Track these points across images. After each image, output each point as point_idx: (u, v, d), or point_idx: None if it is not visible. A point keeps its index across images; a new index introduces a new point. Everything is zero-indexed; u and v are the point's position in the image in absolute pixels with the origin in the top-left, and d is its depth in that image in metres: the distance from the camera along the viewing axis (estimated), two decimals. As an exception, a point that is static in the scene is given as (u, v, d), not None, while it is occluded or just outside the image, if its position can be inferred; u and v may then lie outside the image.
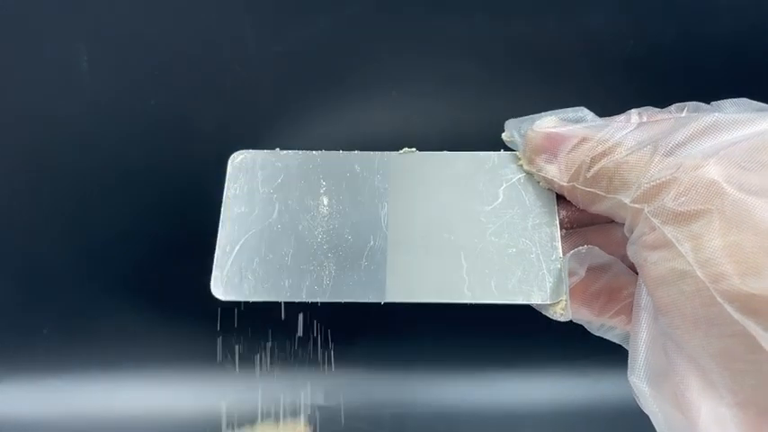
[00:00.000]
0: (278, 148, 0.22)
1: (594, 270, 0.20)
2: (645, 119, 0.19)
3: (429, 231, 0.21)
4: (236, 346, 0.45)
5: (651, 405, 0.17)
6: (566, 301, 0.19)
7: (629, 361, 0.18)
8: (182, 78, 0.35)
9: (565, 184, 0.19)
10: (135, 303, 0.43)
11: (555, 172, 0.20)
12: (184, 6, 0.32)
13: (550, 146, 0.20)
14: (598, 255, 0.19)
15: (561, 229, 0.21)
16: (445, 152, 0.22)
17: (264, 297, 0.20)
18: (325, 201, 0.21)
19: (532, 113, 0.21)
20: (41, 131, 0.36)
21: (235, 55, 0.34)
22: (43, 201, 0.38)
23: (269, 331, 0.45)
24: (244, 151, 0.22)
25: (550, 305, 0.20)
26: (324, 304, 0.20)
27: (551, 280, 0.20)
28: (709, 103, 0.19)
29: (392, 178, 0.21)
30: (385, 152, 0.22)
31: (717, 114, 0.17)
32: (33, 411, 0.45)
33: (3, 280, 0.42)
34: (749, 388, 0.15)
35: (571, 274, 0.19)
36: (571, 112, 0.20)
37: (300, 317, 0.44)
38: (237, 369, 0.46)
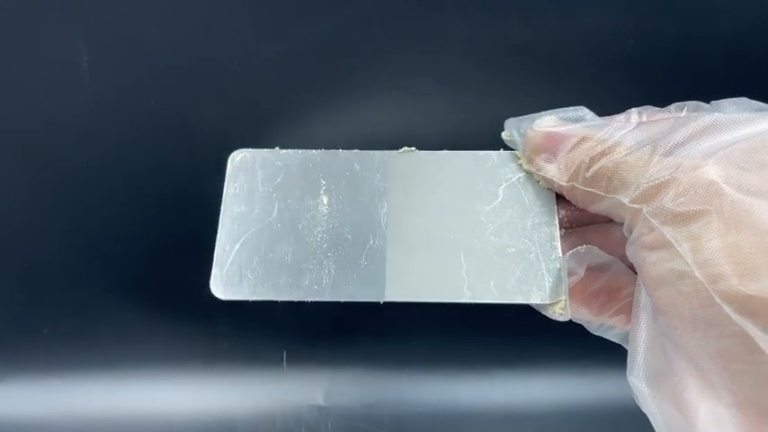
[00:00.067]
0: (278, 147, 0.22)
1: (594, 270, 0.20)
2: (645, 118, 0.19)
3: (428, 231, 0.21)
4: (237, 346, 0.45)
5: (650, 405, 0.17)
6: (565, 300, 0.19)
7: (628, 361, 0.18)
8: (182, 78, 0.35)
9: (564, 183, 0.19)
10: (135, 303, 0.43)
11: (554, 171, 0.20)
12: (184, 6, 0.32)
13: (550, 145, 0.20)
14: (597, 254, 0.19)
15: (561, 229, 0.21)
16: (445, 151, 0.22)
17: (264, 296, 0.20)
18: (325, 200, 0.21)
19: (532, 113, 0.21)
20: (41, 131, 0.36)
21: (235, 55, 0.34)
22: (43, 201, 0.38)
23: (269, 331, 0.45)
24: (243, 150, 0.22)
25: (549, 305, 0.20)
26: (323, 303, 0.20)
27: (550, 280, 0.20)
28: (708, 103, 0.19)
29: (392, 177, 0.21)
30: (385, 151, 0.22)
31: (716, 114, 0.16)
32: (33, 411, 0.45)
33: (3, 280, 0.42)
34: (748, 388, 0.15)
35: (570, 273, 0.19)
36: (571, 112, 0.20)
37: (300, 317, 0.44)
38: (238, 369, 0.46)
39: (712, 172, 0.15)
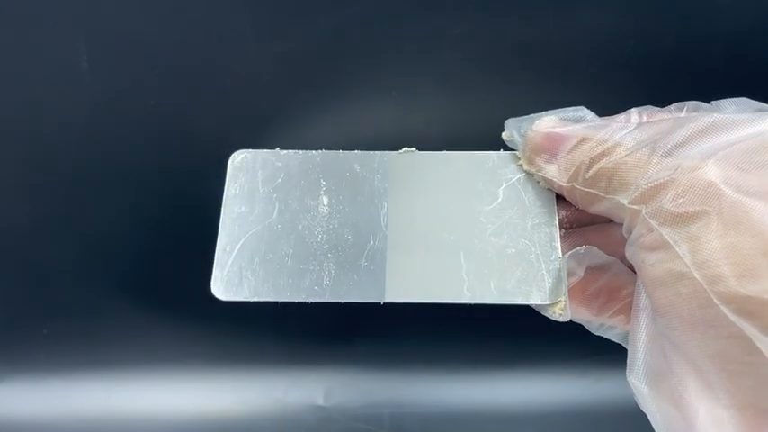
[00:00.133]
0: (278, 148, 0.22)
1: (594, 270, 0.20)
2: (645, 118, 0.19)
3: (429, 231, 0.21)
4: (237, 346, 0.46)
5: (650, 405, 0.17)
6: (564, 301, 0.19)
7: (628, 361, 0.18)
8: (182, 78, 0.35)
9: (564, 184, 0.19)
10: (135, 303, 0.43)
11: (554, 172, 0.20)
12: (184, 6, 0.32)
13: (550, 146, 0.20)
14: (596, 255, 0.19)
15: (561, 229, 0.21)
16: (445, 152, 0.22)
17: (264, 297, 0.20)
18: (325, 200, 0.21)
19: (532, 113, 0.21)
20: (41, 131, 0.36)
21: (235, 55, 0.34)
22: (43, 201, 0.38)
23: (269, 331, 0.45)
24: (244, 151, 0.22)
25: (549, 305, 0.20)
26: (324, 304, 0.20)
27: (550, 280, 0.20)
28: (709, 103, 0.19)
29: (392, 178, 0.21)
30: (385, 152, 0.22)
31: (715, 115, 0.17)
32: (33, 411, 0.45)
33: (3, 280, 0.42)
34: (746, 389, 0.15)
35: (570, 274, 0.19)
36: (571, 112, 0.20)
37: (300, 317, 0.44)
38: (238, 369, 0.46)
39: (711, 173, 0.15)
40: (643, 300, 0.18)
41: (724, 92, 0.20)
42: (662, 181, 0.16)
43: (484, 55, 0.34)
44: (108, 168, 0.37)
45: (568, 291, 0.19)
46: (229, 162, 0.22)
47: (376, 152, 0.22)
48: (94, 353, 0.45)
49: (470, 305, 0.20)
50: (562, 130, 0.19)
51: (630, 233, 0.17)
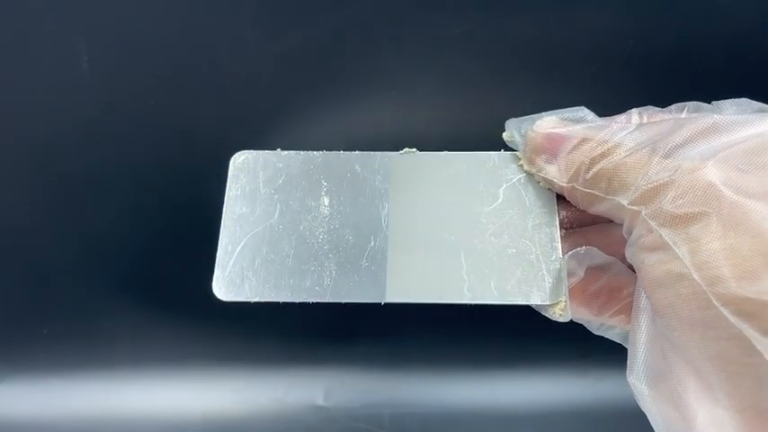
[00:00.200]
0: (279, 149, 0.22)
1: (594, 270, 0.20)
2: (645, 118, 0.19)
3: (429, 231, 0.21)
4: (237, 346, 0.46)
5: (650, 406, 0.17)
6: (565, 301, 0.19)
7: (628, 361, 0.18)
8: (182, 78, 0.35)
9: (564, 184, 0.19)
10: (135, 303, 0.43)
11: (555, 172, 0.20)
12: (184, 6, 0.32)
13: (550, 146, 0.20)
14: (597, 255, 0.19)
15: (561, 229, 0.21)
16: (446, 152, 0.22)
17: (266, 297, 0.20)
18: (326, 201, 0.21)
19: (533, 113, 0.21)
20: (41, 131, 0.36)
21: (235, 55, 0.34)
22: (43, 201, 0.38)
23: (269, 331, 0.45)
24: (245, 152, 0.22)
25: (550, 306, 0.20)
26: (324, 304, 0.20)
27: (551, 280, 0.20)
28: (709, 103, 0.19)
29: (393, 178, 0.22)
30: (386, 152, 0.22)
31: (716, 116, 0.16)
32: (33, 411, 0.45)
33: (3, 280, 0.42)
34: (746, 391, 0.15)
35: (570, 274, 0.19)
36: (572, 112, 0.20)
37: (300, 317, 0.44)
38: (238, 369, 0.46)
39: (711, 174, 0.15)
40: (643, 300, 0.18)
41: (724, 92, 0.20)
42: (662, 182, 0.16)
43: (484, 55, 0.34)
44: (108, 168, 0.37)
45: (569, 291, 0.19)
46: (231, 163, 0.22)
47: (377, 153, 0.22)
48: (94, 353, 0.45)
49: (471, 305, 0.20)
50: (562, 130, 0.19)
51: (630, 234, 0.17)
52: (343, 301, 0.20)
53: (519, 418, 0.45)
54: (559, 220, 0.21)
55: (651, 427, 0.18)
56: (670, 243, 0.15)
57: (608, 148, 0.18)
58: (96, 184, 0.38)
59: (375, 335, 0.45)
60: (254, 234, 0.21)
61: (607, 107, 0.20)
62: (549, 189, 0.21)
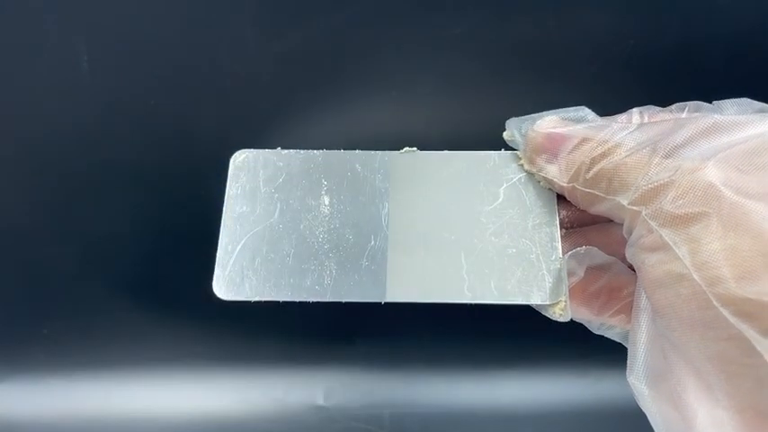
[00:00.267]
0: (279, 148, 0.22)
1: (594, 269, 0.20)
2: (646, 118, 0.19)
3: (429, 231, 0.21)
4: (237, 346, 0.46)
5: (650, 406, 0.17)
6: (565, 301, 0.19)
7: (628, 361, 0.18)
8: (182, 78, 0.35)
9: (565, 184, 0.19)
10: (135, 303, 0.43)
11: (555, 172, 0.20)
12: (184, 6, 0.32)
13: (551, 146, 0.20)
14: (597, 255, 0.19)
15: (562, 229, 0.21)
16: (446, 151, 0.22)
17: (266, 297, 0.20)
18: (327, 200, 0.21)
19: (533, 113, 0.21)
20: (41, 131, 0.36)
21: (235, 55, 0.34)
22: (43, 200, 0.38)
23: (269, 331, 0.45)
24: (246, 150, 0.22)
25: (550, 305, 0.20)
26: (324, 303, 0.20)
27: (551, 280, 0.20)
28: (710, 103, 0.19)
29: (393, 178, 0.22)
30: (386, 151, 0.22)
31: (716, 116, 0.16)
32: (33, 411, 0.45)
33: (3, 280, 0.42)
34: (746, 391, 0.15)
35: (570, 274, 0.19)
36: (572, 112, 0.20)
37: (300, 317, 0.44)
38: (238, 369, 0.46)
39: (711, 174, 0.15)
40: (643, 300, 0.18)
41: (724, 92, 0.20)
42: (662, 182, 0.16)
43: (484, 55, 0.34)
44: (108, 168, 0.37)
45: (569, 291, 0.19)
46: (231, 162, 0.22)
47: (377, 152, 0.22)
48: (94, 353, 0.45)
49: (471, 305, 0.20)
50: (563, 130, 0.19)
51: (630, 234, 0.17)
52: (344, 301, 0.20)
53: (519, 418, 0.45)
54: (560, 219, 0.21)
55: (651, 427, 0.18)
56: (670, 243, 0.15)
57: (608, 148, 0.18)
58: (96, 183, 0.38)
59: (375, 335, 0.45)
60: (255, 233, 0.21)
61: (607, 107, 0.20)
62: (550, 189, 0.21)
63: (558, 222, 0.21)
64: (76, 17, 0.32)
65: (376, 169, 0.22)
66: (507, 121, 0.22)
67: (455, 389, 0.46)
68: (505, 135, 0.22)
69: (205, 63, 0.34)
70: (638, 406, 0.18)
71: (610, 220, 0.20)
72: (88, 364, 0.45)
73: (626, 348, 0.19)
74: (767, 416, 0.14)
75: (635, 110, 0.20)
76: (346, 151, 0.22)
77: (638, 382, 0.17)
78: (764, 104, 0.18)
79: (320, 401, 0.45)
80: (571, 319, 0.20)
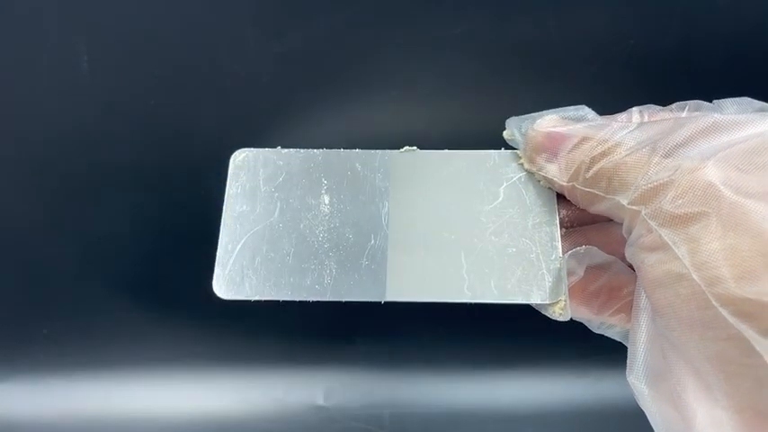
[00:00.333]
0: (279, 147, 0.22)
1: (594, 269, 0.20)
2: (646, 117, 0.19)
3: (429, 230, 0.21)
4: (237, 346, 0.45)
5: (649, 405, 0.17)
6: (565, 301, 0.19)
7: (628, 361, 0.18)
8: (181, 78, 0.35)
9: (565, 183, 0.19)
10: (135, 303, 0.43)
11: (555, 171, 0.20)
12: (184, 6, 0.32)
13: (551, 145, 0.20)
14: (596, 254, 0.19)
15: (561, 228, 0.21)
16: (446, 150, 0.22)
17: (266, 296, 0.20)
18: (327, 199, 0.21)
19: (533, 112, 0.21)
20: (41, 132, 0.36)
21: (235, 55, 0.34)
22: (42, 201, 0.38)
23: (269, 331, 0.45)
24: (246, 150, 0.22)
25: (549, 305, 0.20)
26: (324, 303, 0.20)
27: (550, 280, 0.20)
28: (710, 102, 0.19)
29: (393, 177, 0.22)
30: (386, 150, 0.22)
31: (716, 115, 0.16)
32: (33, 411, 0.45)
33: (3, 280, 0.42)
34: (745, 391, 0.15)
35: (570, 273, 0.19)
36: (572, 111, 0.20)
37: (300, 317, 0.44)
38: (238, 369, 0.46)
39: (711, 174, 0.15)
40: (643, 300, 0.18)
41: (724, 92, 0.20)
42: (661, 182, 0.16)
43: (484, 55, 0.34)
44: (108, 168, 0.37)
45: (568, 290, 0.19)
46: (231, 161, 0.22)
47: (377, 151, 0.22)
48: (94, 353, 0.45)
49: (471, 305, 0.20)
50: (563, 129, 0.19)
51: (630, 233, 0.17)
52: (344, 300, 0.20)
53: (519, 418, 0.45)
54: (559, 218, 0.21)
55: (651, 427, 0.18)
56: (669, 243, 0.15)
57: (608, 148, 0.18)
58: (96, 184, 0.38)
59: (375, 335, 0.45)
60: (255, 232, 0.21)
61: (607, 107, 0.20)
62: (550, 188, 0.21)
63: (557, 221, 0.21)
64: (76, 17, 0.32)
65: (376, 168, 0.22)
66: (507, 121, 0.22)
67: (455, 389, 0.46)
68: (505, 134, 0.22)
69: (205, 63, 0.34)
70: (638, 406, 0.18)
71: (610, 220, 0.20)
72: (88, 364, 0.45)
73: (626, 348, 0.19)
74: (766, 416, 0.14)
75: (635, 109, 0.20)
76: (346, 150, 0.22)
77: (638, 382, 0.17)
78: (764, 104, 0.18)
79: (320, 401, 0.45)
80: (571, 319, 0.20)
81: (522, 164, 0.21)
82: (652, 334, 0.17)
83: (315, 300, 0.20)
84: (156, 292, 0.43)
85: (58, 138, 0.36)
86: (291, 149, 0.22)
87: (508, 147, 0.22)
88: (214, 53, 0.34)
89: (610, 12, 0.32)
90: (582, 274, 0.20)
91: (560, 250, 0.20)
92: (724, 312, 0.14)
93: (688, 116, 0.18)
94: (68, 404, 0.45)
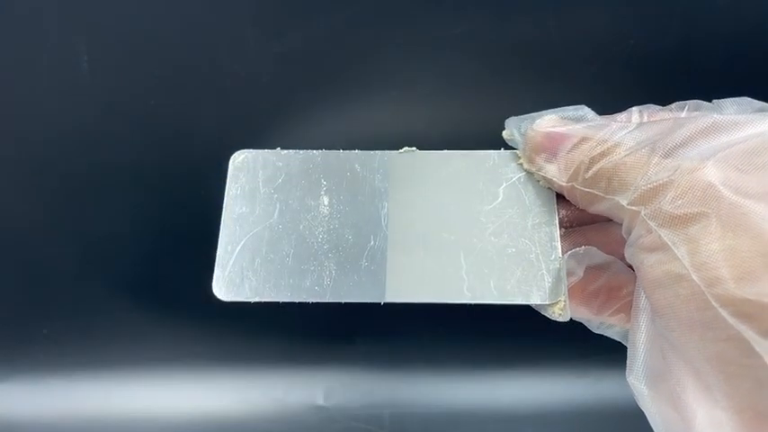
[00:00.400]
0: (279, 148, 0.22)
1: (594, 269, 0.20)
2: (646, 117, 0.19)
3: (429, 231, 0.21)
4: (237, 346, 0.46)
5: (649, 406, 0.17)
6: (564, 301, 0.19)
7: (627, 361, 0.18)
8: (181, 78, 0.35)
9: (564, 183, 0.19)
10: (135, 303, 0.43)
11: (554, 171, 0.20)
12: (184, 6, 0.32)
13: (550, 145, 0.20)
14: (596, 255, 0.19)
15: (561, 228, 0.21)
16: (445, 151, 0.22)
17: (266, 297, 0.20)
18: (326, 200, 0.21)
19: (533, 112, 0.21)
20: (41, 132, 0.36)
21: (235, 55, 0.34)
22: (42, 201, 0.38)
23: (269, 331, 0.45)
24: (245, 151, 0.22)
25: (549, 305, 0.20)
26: (324, 304, 0.20)
27: (550, 280, 0.20)
28: (710, 102, 0.19)
29: (392, 177, 0.21)
30: (385, 151, 0.22)
31: (715, 115, 0.16)
32: (33, 411, 0.45)
33: (3, 280, 0.42)
34: (744, 392, 0.14)
35: (569, 273, 0.19)
36: (572, 111, 0.20)
37: (300, 317, 0.44)
38: (238, 369, 0.46)
39: (710, 174, 0.15)
40: (642, 300, 0.18)
41: (724, 92, 0.20)
42: (661, 182, 0.16)
43: (484, 55, 0.34)
44: (108, 168, 0.37)
45: (568, 290, 0.19)
46: (230, 162, 0.22)
47: (376, 152, 0.22)
48: (94, 353, 0.45)
49: (470, 305, 0.20)
50: (562, 129, 0.19)
51: (630, 234, 0.17)
52: (343, 301, 0.20)
53: (519, 418, 0.45)
54: (559, 219, 0.21)
55: (651, 427, 0.18)
56: (669, 244, 0.15)
57: (608, 148, 0.18)
58: (96, 184, 0.38)
59: (375, 335, 0.45)
60: (254, 234, 0.21)
61: (607, 107, 0.20)
62: (549, 188, 0.21)
63: (557, 222, 0.21)
64: (76, 17, 0.32)
65: (375, 169, 0.22)
66: (507, 120, 0.22)
67: (455, 389, 0.46)
68: (505, 134, 0.22)
69: (205, 63, 0.34)
70: (637, 406, 0.18)
71: (609, 220, 0.19)
72: (88, 364, 0.45)
73: (626, 348, 0.19)
74: (766, 416, 0.14)
75: (634, 109, 0.20)
76: (345, 151, 0.22)
77: (638, 382, 0.17)
78: (764, 104, 0.18)
79: (320, 401, 0.45)
80: (571, 319, 0.20)
81: (521, 164, 0.21)
82: (652, 334, 0.17)
83: (314, 301, 0.20)
84: (156, 292, 0.43)
85: (57, 138, 0.36)
86: (290, 150, 0.22)
87: (508, 147, 0.22)
88: (214, 53, 0.34)
89: (610, 12, 0.32)
90: (581, 274, 0.20)
91: (560, 250, 0.20)
92: (724, 313, 0.14)
93: (687, 116, 0.18)
94: (68, 404, 0.45)
